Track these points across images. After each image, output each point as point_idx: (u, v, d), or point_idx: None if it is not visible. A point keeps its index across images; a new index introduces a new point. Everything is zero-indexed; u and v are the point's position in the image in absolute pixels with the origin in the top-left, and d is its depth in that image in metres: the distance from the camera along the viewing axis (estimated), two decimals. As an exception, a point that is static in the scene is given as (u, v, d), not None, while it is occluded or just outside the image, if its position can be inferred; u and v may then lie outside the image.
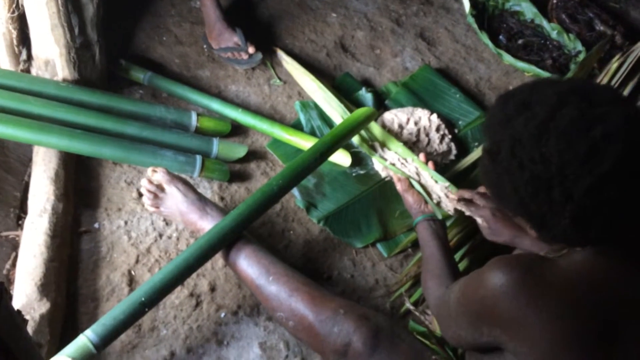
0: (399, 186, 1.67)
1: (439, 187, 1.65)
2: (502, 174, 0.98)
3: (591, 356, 0.93)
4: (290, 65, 2.06)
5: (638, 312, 0.96)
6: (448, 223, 1.66)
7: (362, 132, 1.87)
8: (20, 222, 1.57)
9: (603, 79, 2.12)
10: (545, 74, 2.20)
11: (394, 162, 1.76)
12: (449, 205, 1.61)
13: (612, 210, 0.91)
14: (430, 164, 1.72)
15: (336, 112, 1.91)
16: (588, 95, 0.93)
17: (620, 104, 0.93)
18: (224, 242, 1.45)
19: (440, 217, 1.56)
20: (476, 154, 1.88)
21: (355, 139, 1.86)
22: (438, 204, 1.65)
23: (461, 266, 1.63)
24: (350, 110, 1.88)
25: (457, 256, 1.65)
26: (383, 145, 1.83)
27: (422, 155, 1.76)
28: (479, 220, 1.44)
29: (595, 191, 0.90)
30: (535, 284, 0.95)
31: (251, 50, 2.03)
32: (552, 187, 0.92)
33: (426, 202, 1.61)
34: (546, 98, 0.95)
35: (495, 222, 1.40)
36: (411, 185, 1.66)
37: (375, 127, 1.89)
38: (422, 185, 1.67)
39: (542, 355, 0.94)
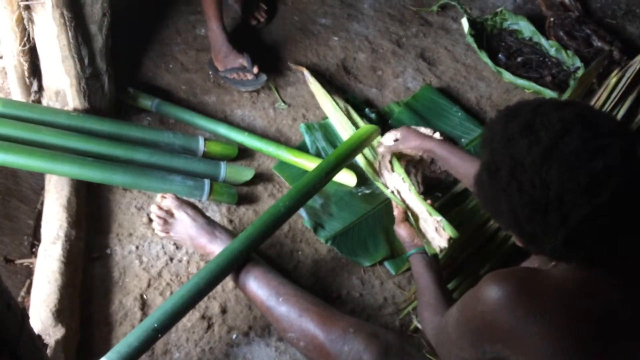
0: (396, 214, 1.70)
1: (432, 221, 1.65)
2: (498, 192, 1.00)
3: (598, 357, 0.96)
4: (313, 85, 2.09)
5: (624, 321, 0.99)
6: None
7: (367, 153, 1.90)
8: (34, 249, 1.60)
9: (602, 93, 2.16)
10: (545, 91, 2.24)
11: (395, 190, 1.77)
12: (440, 243, 1.61)
13: (603, 234, 0.94)
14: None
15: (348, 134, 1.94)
16: (591, 125, 0.95)
17: (621, 136, 0.96)
18: (233, 265, 1.47)
19: (429, 253, 1.57)
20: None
21: (361, 163, 1.89)
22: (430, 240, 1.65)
23: (456, 295, 1.65)
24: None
25: (452, 284, 1.68)
26: (387, 168, 1.85)
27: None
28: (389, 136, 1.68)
29: (591, 218, 0.92)
30: (531, 295, 0.98)
31: (256, 70, 2.08)
32: (548, 211, 0.94)
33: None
34: (550, 123, 0.96)
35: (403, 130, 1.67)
36: (406, 218, 1.67)
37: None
38: (416, 218, 1.68)
39: None
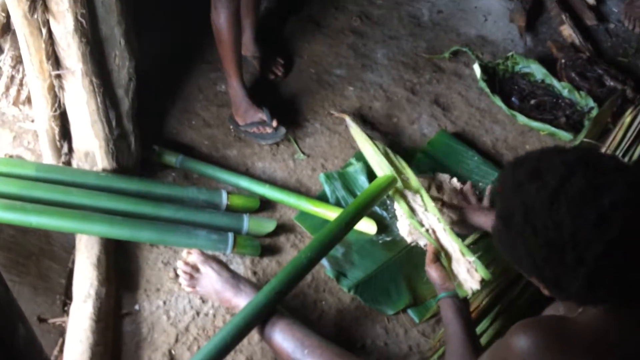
0: (428, 254, 1.68)
1: (464, 262, 1.63)
2: (515, 239, 1.03)
3: None
4: (354, 129, 2.11)
5: None
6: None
7: (402, 189, 1.89)
8: (65, 308, 1.65)
9: (618, 132, 2.18)
10: (560, 132, 2.27)
11: (429, 229, 1.75)
12: (472, 285, 1.60)
13: (622, 271, 0.96)
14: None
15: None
16: (593, 164, 1.00)
17: (623, 171, 0.99)
18: (258, 318, 1.50)
19: (461, 296, 1.56)
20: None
21: (397, 200, 1.87)
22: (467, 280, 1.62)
23: (487, 336, 1.64)
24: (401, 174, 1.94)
25: (481, 326, 1.68)
26: (421, 206, 1.83)
27: (468, 185, 1.85)
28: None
29: (606, 255, 0.95)
30: (559, 345, 0.98)
31: (275, 124, 2.15)
32: (565, 252, 0.97)
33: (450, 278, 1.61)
34: (555, 167, 1.02)
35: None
36: (438, 259, 1.66)
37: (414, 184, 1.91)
38: (449, 258, 1.67)
39: None
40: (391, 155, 2.01)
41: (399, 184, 1.85)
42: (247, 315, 1.49)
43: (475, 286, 1.59)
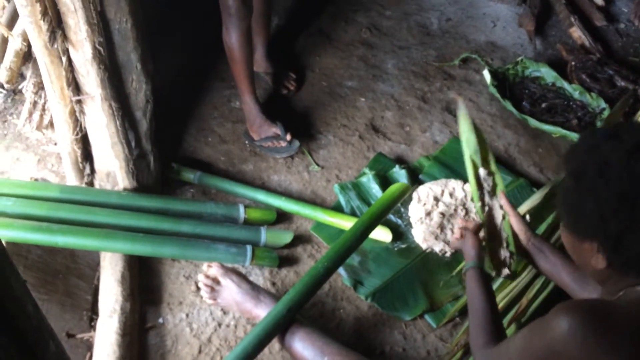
0: (473, 227, 1.58)
1: (504, 252, 1.57)
2: (585, 193, 1.05)
3: None
4: (462, 113, 1.98)
5: None
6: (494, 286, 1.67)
7: (479, 165, 1.74)
8: (92, 323, 1.71)
9: (630, 132, 2.19)
10: (572, 134, 2.28)
11: (487, 207, 1.64)
12: (499, 274, 1.57)
13: None
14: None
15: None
16: None
17: None
18: (279, 328, 1.54)
19: (488, 273, 1.51)
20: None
21: (468, 172, 1.73)
22: (500, 264, 1.57)
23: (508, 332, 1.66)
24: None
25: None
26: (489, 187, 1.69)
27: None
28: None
29: None
30: (602, 327, 0.99)
31: (289, 137, 2.20)
32: (636, 204, 0.99)
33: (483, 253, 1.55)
34: (632, 130, 1.06)
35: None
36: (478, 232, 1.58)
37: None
38: (492, 240, 1.59)
39: None
40: (482, 137, 1.90)
41: (478, 160, 1.71)
42: (267, 325, 1.53)
43: (501, 275, 1.56)
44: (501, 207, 1.63)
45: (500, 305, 1.74)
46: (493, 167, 1.74)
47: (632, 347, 0.97)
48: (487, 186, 1.70)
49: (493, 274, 1.57)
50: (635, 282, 1.05)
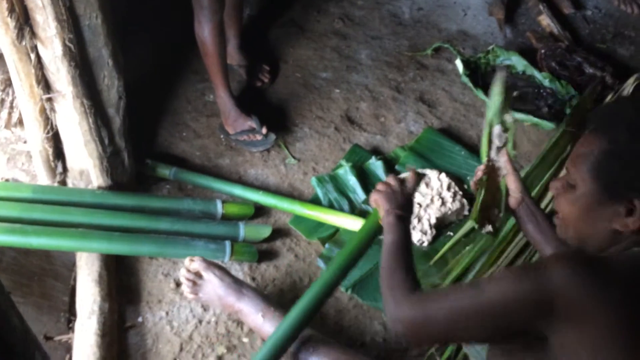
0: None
1: (493, 210, 1.51)
2: (625, 156, 1.06)
3: None
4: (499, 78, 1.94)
5: None
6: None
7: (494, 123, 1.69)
8: (70, 325, 1.69)
9: (599, 119, 2.23)
10: (543, 122, 2.32)
11: (491, 162, 1.54)
12: (486, 228, 1.53)
13: None
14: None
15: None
16: None
17: None
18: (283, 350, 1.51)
19: (470, 224, 1.52)
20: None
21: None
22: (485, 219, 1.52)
23: None
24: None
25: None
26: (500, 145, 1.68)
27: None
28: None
29: None
30: (600, 273, 1.01)
31: (264, 131, 2.19)
32: None
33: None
34: None
35: None
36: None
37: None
38: (487, 195, 1.51)
39: (603, 341, 0.98)
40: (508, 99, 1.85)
41: (496, 120, 1.60)
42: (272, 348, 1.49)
43: (482, 230, 1.53)
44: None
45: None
46: (509, 123, 1.70)
47: (624, 296, 0.99)
48: (498, 142, 1.64)
49: (476, 226, 1.52)
50: (629, 245, 1.08)
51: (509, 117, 1.62)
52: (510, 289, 1.04)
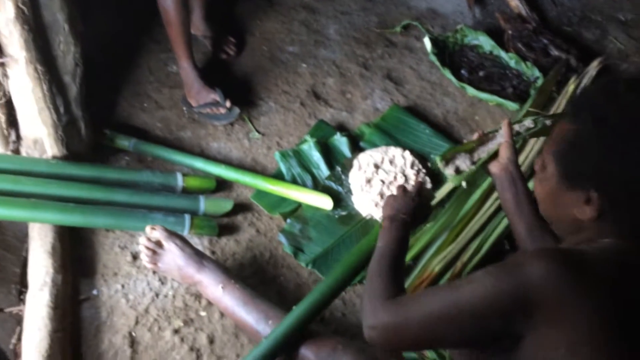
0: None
1: (467, 157, 1.52)
2: (605, 142, 1.03)
3: (628, 335, 0.99)
4: None
5: None
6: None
7: None
8: (22, 296, 1.64)
9: (561, 101, 2.26)
10: (507, 102, 2.33)
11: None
12: (447, 169, 1.52)
13: None
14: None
15: None
16: None
17: None
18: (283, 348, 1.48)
19: (454, 183, 1.49)
20: (449, 185, 1.98)
21: None
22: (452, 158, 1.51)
23: None
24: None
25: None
26: None
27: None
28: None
29: None
30: (576, 270, 1.00)
31: (228, 104, 2.15)
32: None
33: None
34: None
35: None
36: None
37: None
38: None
39: (581, 337, 0.97)
40: None
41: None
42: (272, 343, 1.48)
43: (443, 169, 1.51)
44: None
45: (436, 270, 1.79)
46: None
47: (601, 291, 0.99)
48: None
49: (440, 163, 1.50)
50: (602, 236, 1.07)
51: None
52: (488, 289, 1.02)
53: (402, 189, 1.52)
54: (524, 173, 1.50)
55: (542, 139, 1.99)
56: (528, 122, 1.58)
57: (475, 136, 1.53)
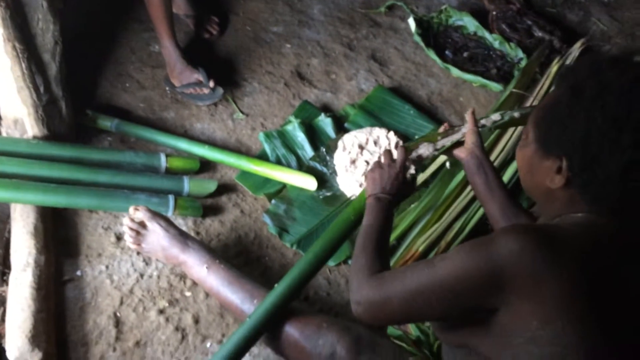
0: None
1: (428, 147, 1.54)
2: (577, 109, 1.05)
3: (600, 309, 1.00)
4: None
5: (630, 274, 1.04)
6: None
7: None
8: (4, 277, 1.63)
9: (545, 82, 2.27)
10: (491, 83, 2.34)
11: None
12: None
13: None
14: None
15: None
16: None
17: None
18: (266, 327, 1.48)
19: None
20: (432, 168, 1.99)
21: None
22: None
23: None
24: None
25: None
26: None
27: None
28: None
29: None
30: (548, 246, 1.01)
31: (212, 84, 2.13)
32: (623, 131, 1.00)
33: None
34: (636, 62, 1.05)
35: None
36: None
37: None
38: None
39: (553, 311, 0.99)
40: None
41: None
42: (256, 321, 1.47)
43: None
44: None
45: (420, 249, 1.80)
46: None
47: (573, 265, 1.00)
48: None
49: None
50: (576, 209, 1.09)
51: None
52: (462, 265, 1.05)
53: (389, 157, 1.48)
54: (496, 166, 1.52)
55: (519, 129, 2.00)
56: (495, 116, 1.61)
57: (441, 129, 1.57)
